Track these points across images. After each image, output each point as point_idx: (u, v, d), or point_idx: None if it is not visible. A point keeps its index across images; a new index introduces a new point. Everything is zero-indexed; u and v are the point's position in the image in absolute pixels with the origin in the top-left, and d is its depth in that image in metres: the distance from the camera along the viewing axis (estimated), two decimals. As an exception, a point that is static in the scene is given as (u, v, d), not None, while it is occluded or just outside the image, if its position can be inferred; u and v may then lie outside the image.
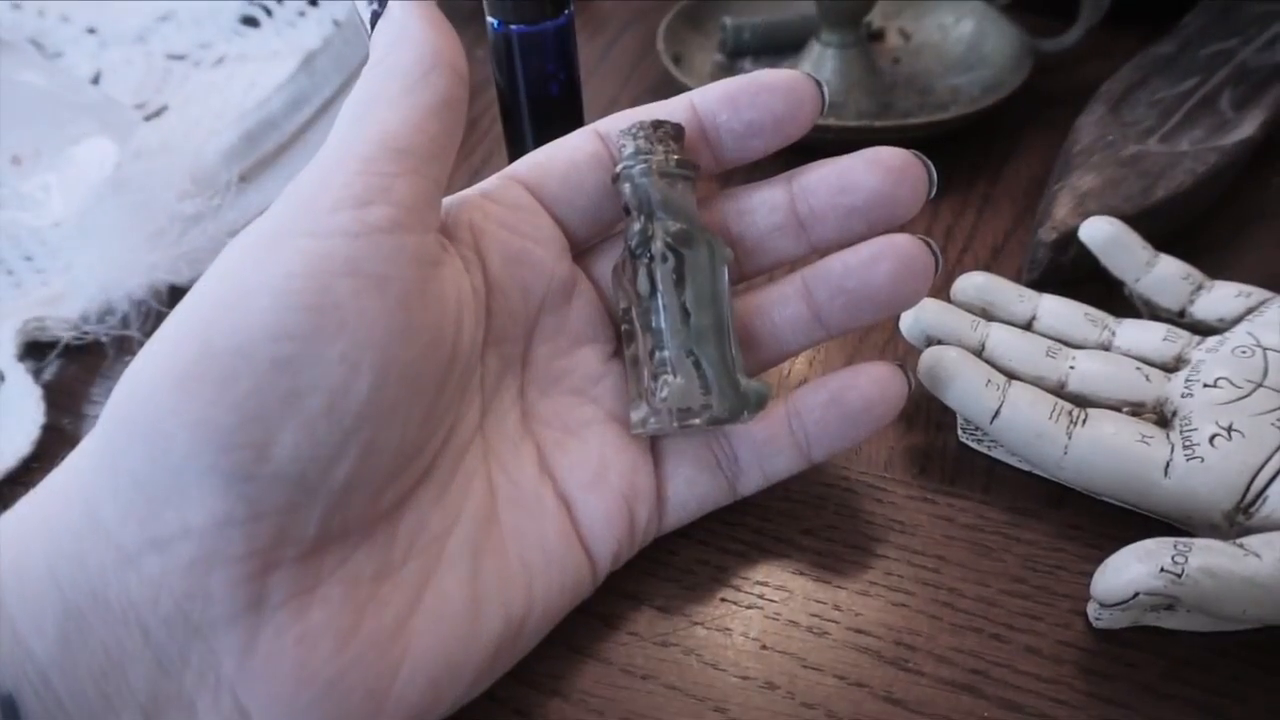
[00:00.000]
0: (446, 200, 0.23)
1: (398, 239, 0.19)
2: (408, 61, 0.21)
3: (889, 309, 0.24)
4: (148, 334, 0.32)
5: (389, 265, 0.19)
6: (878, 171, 0.23)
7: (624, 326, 0.24)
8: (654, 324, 0.23)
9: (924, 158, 0.23)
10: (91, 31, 0.47)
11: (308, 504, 0.18)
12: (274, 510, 0.18)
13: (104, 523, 0.17)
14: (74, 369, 0.32)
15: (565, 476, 0.23)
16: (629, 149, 0.23)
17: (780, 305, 0.24)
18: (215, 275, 0.19)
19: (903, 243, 0.23)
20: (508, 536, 0.22)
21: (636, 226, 0.23)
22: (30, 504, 0.19)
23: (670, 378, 0.22)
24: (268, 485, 0.17)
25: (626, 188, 0.23)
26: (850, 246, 0.24)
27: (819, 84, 0.23)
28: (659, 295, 0.22)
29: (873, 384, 0.24)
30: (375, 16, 0.22)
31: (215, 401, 0.17)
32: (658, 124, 0.23)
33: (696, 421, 0.22)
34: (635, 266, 0.23)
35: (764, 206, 0.24)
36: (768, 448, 0.24)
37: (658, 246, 0.22)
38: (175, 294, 0.33)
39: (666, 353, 0.22)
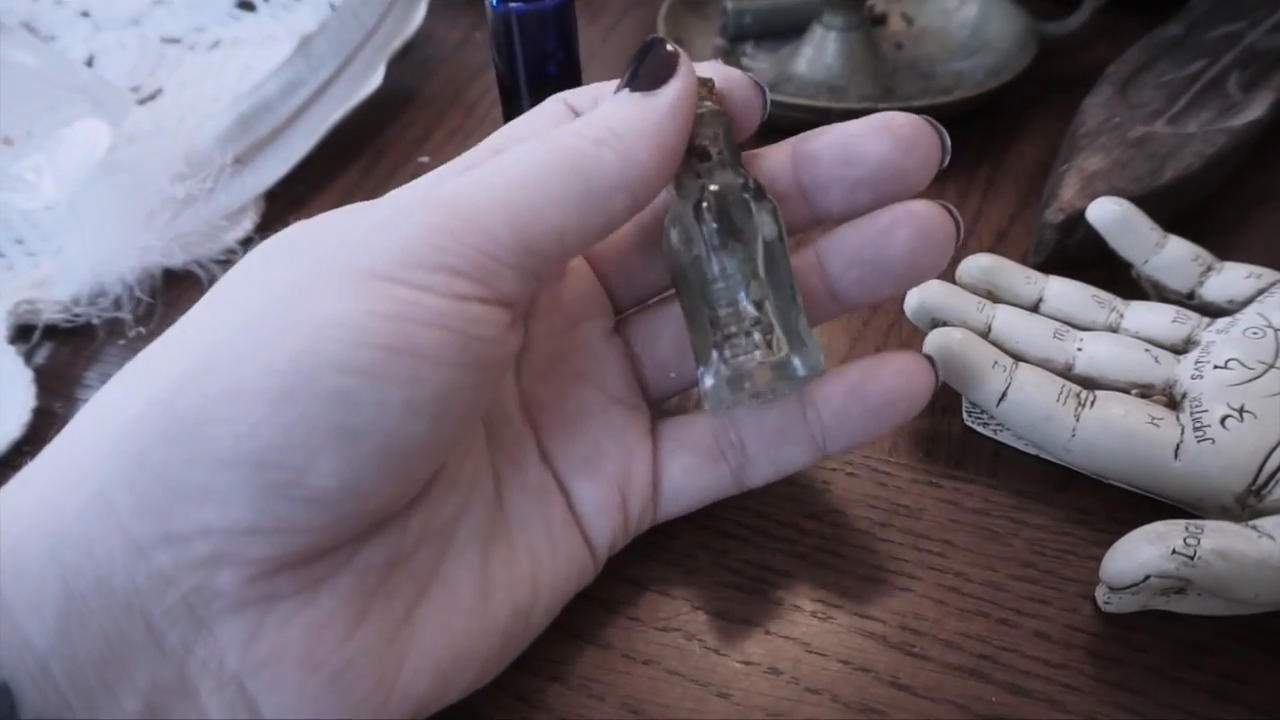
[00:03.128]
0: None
1: (487, 310, 0.18)
2: (609, 165, 0.19)
3: (908, 280, 0.22)
4: (140, 317, 0.32)
5: (476, 327, 0.18)
6: (886, 139, 0.21)
7: (717, 285, 0.21)
8: (767, 274, 0.21)
9: (936, 123, 0.21)
10: (85, 15, 0.47)
11: (335, 525, 0.18)
12: (300, 528, 0.17)
13: (117, 511, 0.17)
14: (65, 352, 0.31)
15: (561, 462, 0.23)
16: (703, 95, 0.21)
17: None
18: (283, 285, 0.18)
19: (921, 209, 0.22)
20: (514, 524, 0.21)
21: (719, 173, 0.21)
22: (30, 481, 0.18)
23: (780, 335, 0.21)
24: (299, 506, 0.17)
25: (709, 133, 0.21)
26: (859, 216, 0.22)
27: (763, 90, 0.22)
28: (778, 242, 0.21)
29: (896, 376, 0.22)
30: (650, 52, 0.20)
31: (266, 418, 0.16)
32: (708, 80, 0.21)
33: (796, 379, 0.21)
34: (733, 209, 0.21)
35: (765, 175, 0.23)
36: (780, 438, 0.23)
37: (765, 194, 0.21)
38: (168, 277, 0.33)
39: (771, 307, 0.21)
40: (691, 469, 0.23)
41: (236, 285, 0.19)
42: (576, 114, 0.22)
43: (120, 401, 0.18)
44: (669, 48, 0.20)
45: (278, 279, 0.18)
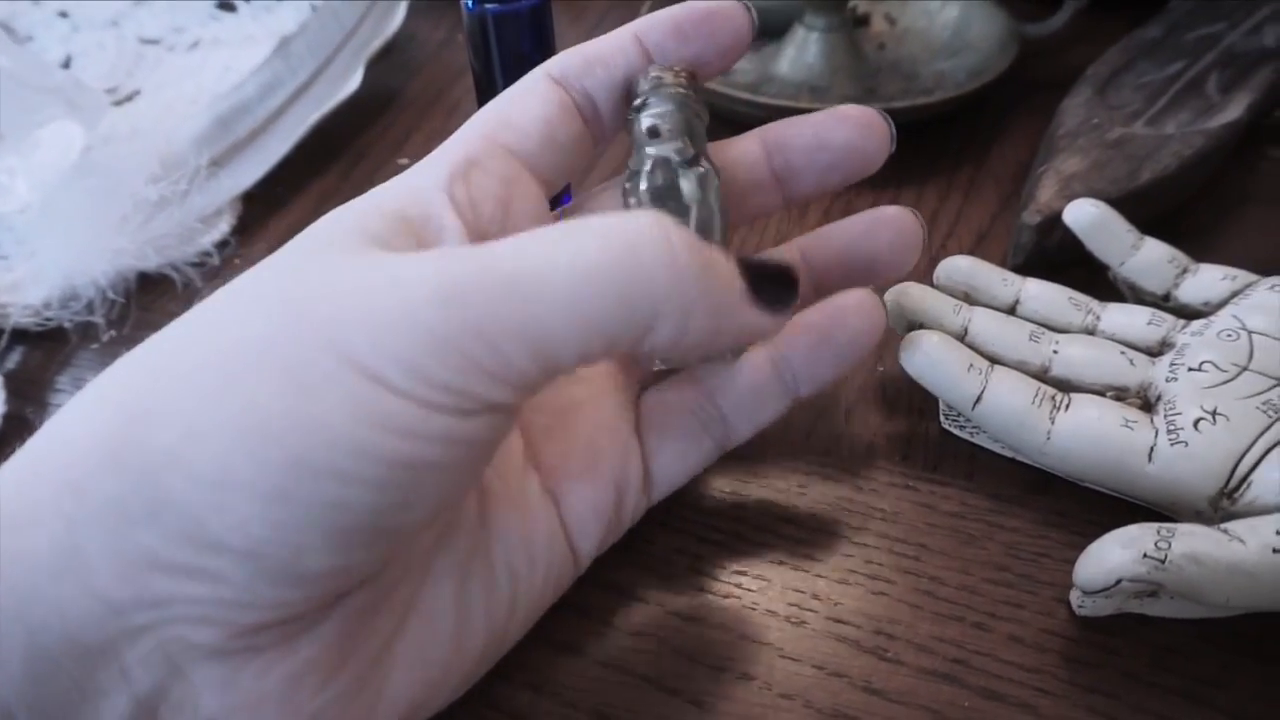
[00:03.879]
0: (427, 177, 0.21)
1: (494, 419, 0.17)
2: (664, 334, 0.17)
3: (885, 278, 0.25)
4: (113, 321, 0.32)
5: (482, 433, 0.17)
6: (847, 126, 0.23)
7: None
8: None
9: (883, 112, 0.24)
10: (63, 15, 0.46)
11: (322, 595, 0.17)
12: (289, 602, 0.17)
13: (95, 575, 0.16)
14: (37, 356, 0.31)
15: (554, 466, 0.22)
16: (669, 82, 0.22)
17: None
18: (274, 365, 0.16)
19: (897, 214, 0.25)
20: (495, 541, 0.21)
21: (675, 146, 0.22)
22: None
23: None
24: (288, 587, 0.16)
25: (667, 115, 0.22)
26: (824, 196, 0.25)
27: (749, 8, 0.23)
28: (714, 209, 0.22)
29: (858, 314, 0.24)
30: (780, 280, 0.19)
31: (258, 515, 0.15)
32: (693, 73, 0.23)
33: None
34: (659, 173, 0.22)
35: (743, 163, 0.24)
36: (757, 398, 0.24)
37: (705, 164, 0.22)
38: (142, 280, 0.33)
39: None
40: (678, 453, 0.24)
41: (216, 343, 0.17)
42: (564, 86, 0.22)
43: (95, 457, 0.16)
44: (790, 295, 0.20)
45: (267, 352, 0.16)
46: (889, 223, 0.25)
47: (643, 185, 0.22)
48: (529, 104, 0.22)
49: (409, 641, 0.19)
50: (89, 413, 0.17)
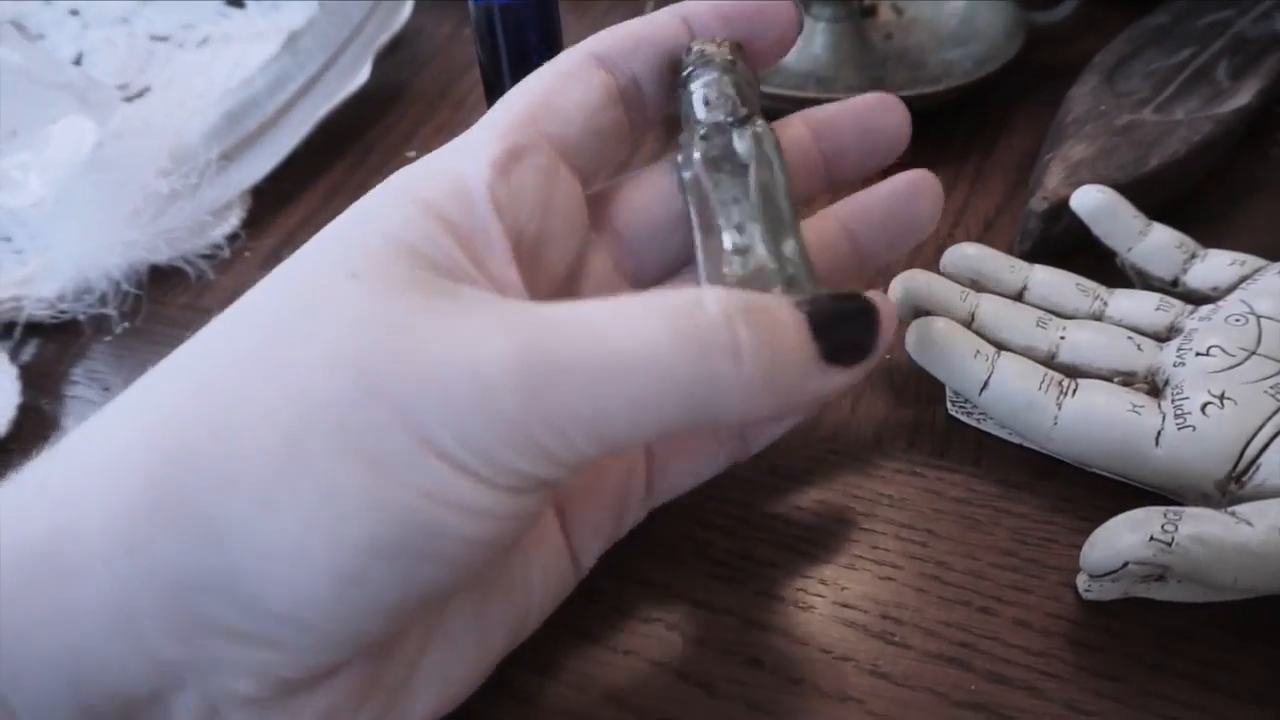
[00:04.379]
0: (468, 165, 0.20)
1: (546, 493, 0.18)
2: (729, 404, 0.17)
3: (921, 237, 0.25)
4: (125, 313, 0.32)
5: (534, 506, 0.18)
6: (884, 109, 0.24)
7: (707, 211, 0.21)
8: (758, 198, 0.21)
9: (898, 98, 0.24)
10: (74, 13, 0.47)
11: (368, 652, 0.18)
12: (335, 663, 0.17)
13: (145, 635, 0.16)
14: (52, 348, 0.31)
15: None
16: (713, 53, 0.22)
17: (824, 249, 0.24)
18: (355, 450, 0.16)
19: (924, 175, 0.24)
20: (516, 560, 0.21)
21: (726, 109, 0.22)
22: (28, 558, 0.16)
23: (763, 254, 0.20)
24: (343, 649, 0.17)
25: (714, 83, 0.22)
26: (863, 176, 0.25)
27: (798, 5, 0.23)
28: (773, 162, 0.22)
29: (887, 319, 0.23)
30: (855, 321, 0.19)
31: (329, 594, 0.16)
32: (738, 44, 0.22)
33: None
34: (715, 138, 0.21)
35: (794, 145, 0.23)
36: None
37: (760, 122, 0.22)
38: (154, 273, 0.33)
39: (758, 230, 0.21)
40: (688, 469, 0.24)
41: (281, 404, 0.16)
42: (608, 68, 0.21)
43: (152, 516, 0.16)
44: (870, 338, 0.19)
45: (339, 426, 0.16)
46: (924, 185, 0.24)
47: (696, 155, 0.21)
48: (572, 89, 0.21)
49: (432, 659, 0.19)
50: (138, 457, 0.16)
